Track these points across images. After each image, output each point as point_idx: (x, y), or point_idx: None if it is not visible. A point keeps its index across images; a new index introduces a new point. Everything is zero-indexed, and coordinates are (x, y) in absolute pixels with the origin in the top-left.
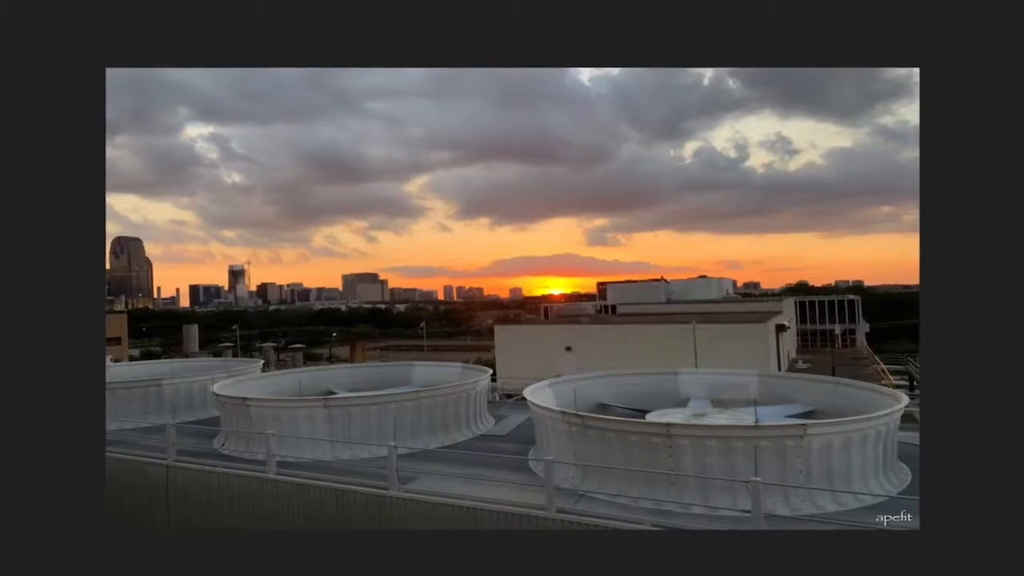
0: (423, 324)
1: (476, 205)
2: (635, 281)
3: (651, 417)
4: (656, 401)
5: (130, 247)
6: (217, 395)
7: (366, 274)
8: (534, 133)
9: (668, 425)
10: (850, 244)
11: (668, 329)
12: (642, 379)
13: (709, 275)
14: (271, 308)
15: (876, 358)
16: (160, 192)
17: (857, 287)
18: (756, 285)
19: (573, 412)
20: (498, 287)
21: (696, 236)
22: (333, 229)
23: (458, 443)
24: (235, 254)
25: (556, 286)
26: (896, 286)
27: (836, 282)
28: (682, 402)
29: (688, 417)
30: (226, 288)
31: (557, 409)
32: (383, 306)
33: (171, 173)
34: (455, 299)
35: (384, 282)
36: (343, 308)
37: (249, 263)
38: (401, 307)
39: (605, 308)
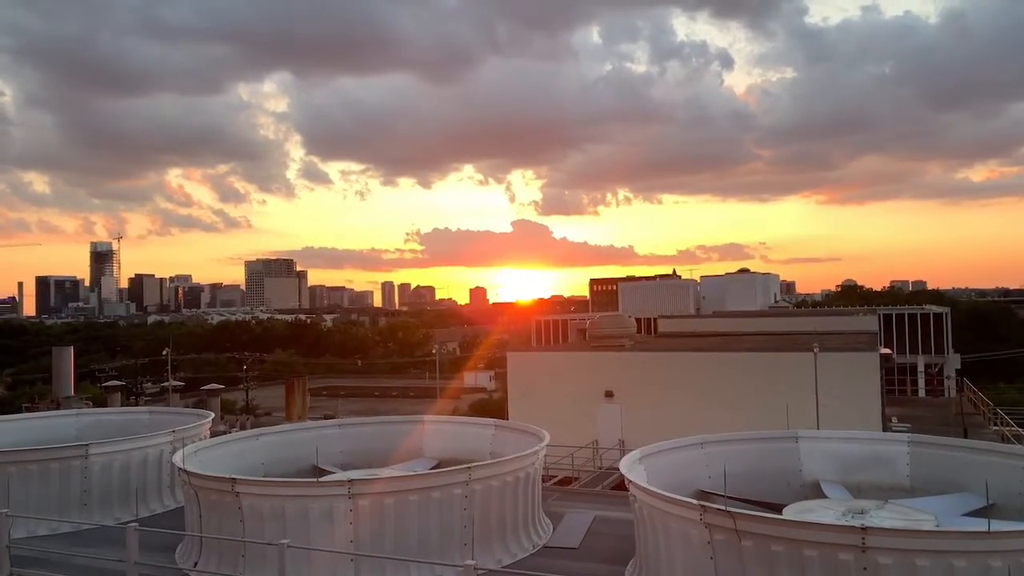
0: (358, 359)
1: (339, 141)
2: (649, 278)
3: (788, 513)
4: (772, 486)
5: None
6: (183, 471)
7: (277, 261)
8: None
9: (864, 529)
10: (911, 224)
11: (739, 360)
12: (744, 448)
13: (744, 269)
14: (150, 319)
15: (985, 404)
16: None
17: (922, 291)
18: (791, 285)
19: (722, 508)
20: (446, 281)
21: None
22: (167, 175)
23: (518, 562)
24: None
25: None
26: (976, 291)
27: (892, 283)
28: (809, 486)
29: (840, 516)
30: (87, 283)
31: (694, 502)
32: (306, 318)
33: None
34: (397, 306)
35: (302, 276)
36: (252, 320)
37: (120, 238)
38: (328, 320)
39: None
